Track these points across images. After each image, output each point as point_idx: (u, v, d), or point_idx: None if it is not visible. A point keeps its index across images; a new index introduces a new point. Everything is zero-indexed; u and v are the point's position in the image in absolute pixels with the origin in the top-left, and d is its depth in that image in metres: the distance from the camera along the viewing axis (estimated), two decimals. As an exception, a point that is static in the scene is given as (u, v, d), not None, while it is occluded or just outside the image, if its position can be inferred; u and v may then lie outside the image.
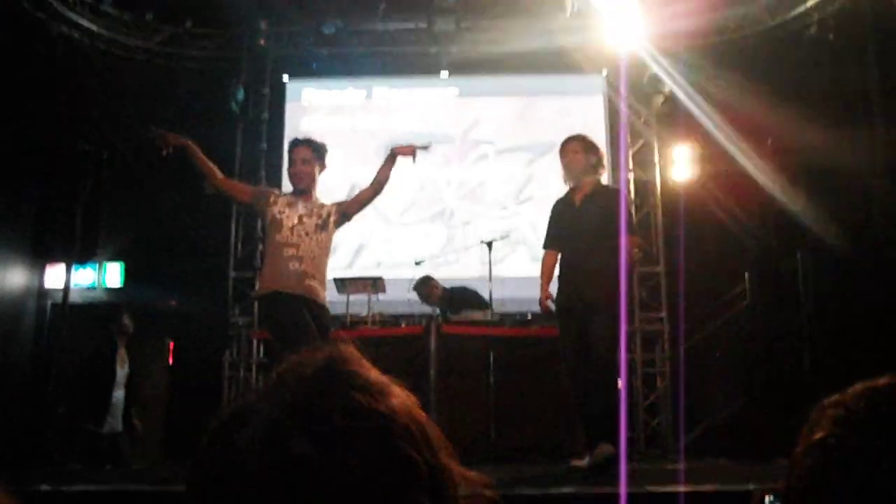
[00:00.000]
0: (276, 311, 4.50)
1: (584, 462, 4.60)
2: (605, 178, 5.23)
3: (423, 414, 0.82)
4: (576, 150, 4.96)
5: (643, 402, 8.14)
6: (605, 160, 5.23)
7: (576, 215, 4.88)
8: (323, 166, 4.75)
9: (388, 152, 4.82)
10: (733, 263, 7.25)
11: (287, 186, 4.91)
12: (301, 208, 4.60)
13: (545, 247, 5.09)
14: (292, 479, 0.72)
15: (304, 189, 4.67)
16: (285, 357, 0.85)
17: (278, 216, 4.57)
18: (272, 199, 4.65)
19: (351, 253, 8.42)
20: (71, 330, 7.30)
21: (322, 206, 4.70)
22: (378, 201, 4.93)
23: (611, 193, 5.00)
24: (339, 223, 4.74)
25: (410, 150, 4.78)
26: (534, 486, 3.76)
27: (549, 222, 5.11)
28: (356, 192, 4.99)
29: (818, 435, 0.93)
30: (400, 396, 0.82)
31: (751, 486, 2.86)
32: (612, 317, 4.52)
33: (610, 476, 3.97)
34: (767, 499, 1.63)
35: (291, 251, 4.51)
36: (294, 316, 4.38)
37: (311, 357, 0.84)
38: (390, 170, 4.78)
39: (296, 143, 4.75)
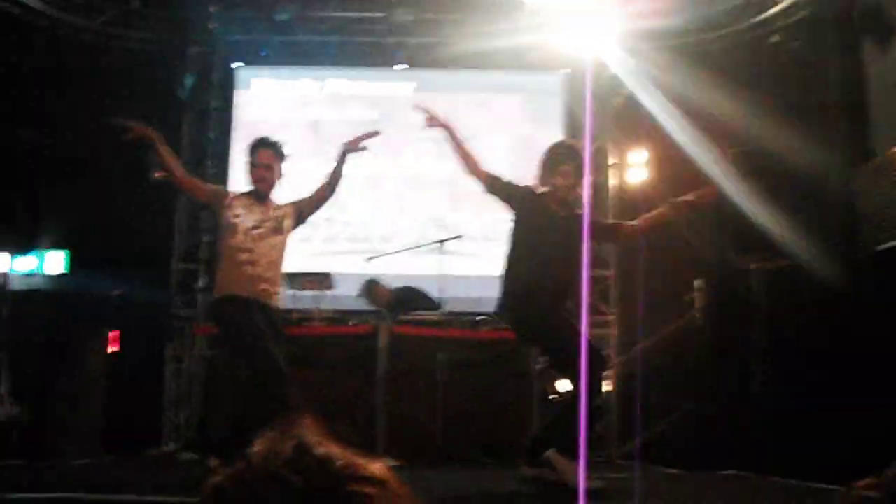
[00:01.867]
0: (228, 315, 4.44)
1: (536, 472, 4.19)
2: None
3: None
4: (566, 173, 4.38)
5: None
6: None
7: (552, 222, 4.37)
8: (281, 173, 4.62)
9: (340, 149, 4.71)
10: (687, 271, 7.23)
11: (234, 179, 4.79)
12: (258, 212, 4.51)
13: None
14: None
15: (262, 192, 4.58)
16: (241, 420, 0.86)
17: (233, 220, 4.48)
18: (227, 202, 4.55)
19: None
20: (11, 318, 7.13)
21: (278, 207, 4.62)
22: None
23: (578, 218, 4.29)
24: (294, 225, 4.67)
25: (359, 141, 4.69)
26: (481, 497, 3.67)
27: (515, 192, 4.47)
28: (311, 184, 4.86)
29: None
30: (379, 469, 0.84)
31: None
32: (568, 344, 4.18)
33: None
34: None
35: (245, 256, 4.44)
36: (245, 321, 4.33)
37: (279, 444, 0.82)
38: (343, 167, 4.68)
39: (261, 145, 4.60)
